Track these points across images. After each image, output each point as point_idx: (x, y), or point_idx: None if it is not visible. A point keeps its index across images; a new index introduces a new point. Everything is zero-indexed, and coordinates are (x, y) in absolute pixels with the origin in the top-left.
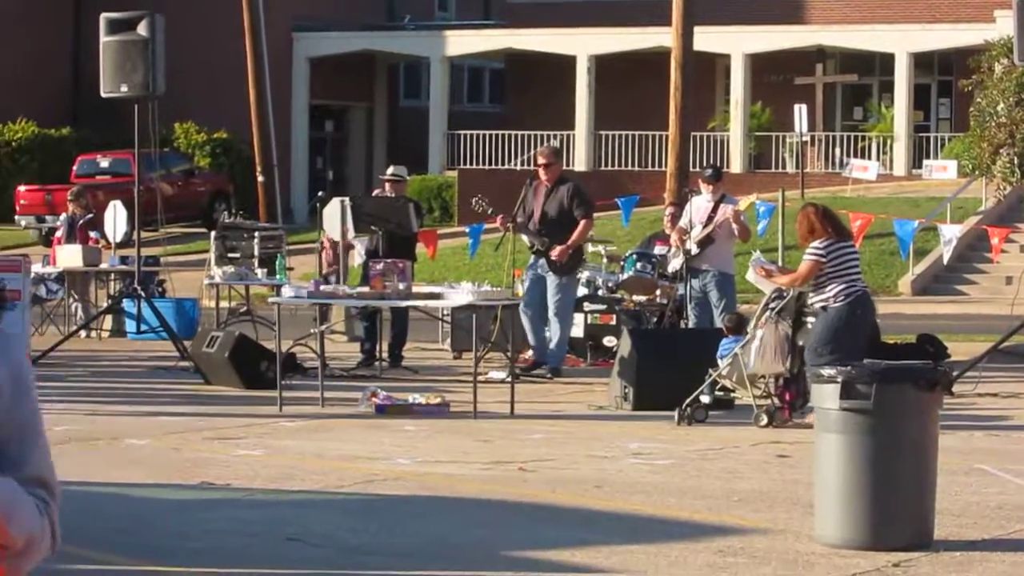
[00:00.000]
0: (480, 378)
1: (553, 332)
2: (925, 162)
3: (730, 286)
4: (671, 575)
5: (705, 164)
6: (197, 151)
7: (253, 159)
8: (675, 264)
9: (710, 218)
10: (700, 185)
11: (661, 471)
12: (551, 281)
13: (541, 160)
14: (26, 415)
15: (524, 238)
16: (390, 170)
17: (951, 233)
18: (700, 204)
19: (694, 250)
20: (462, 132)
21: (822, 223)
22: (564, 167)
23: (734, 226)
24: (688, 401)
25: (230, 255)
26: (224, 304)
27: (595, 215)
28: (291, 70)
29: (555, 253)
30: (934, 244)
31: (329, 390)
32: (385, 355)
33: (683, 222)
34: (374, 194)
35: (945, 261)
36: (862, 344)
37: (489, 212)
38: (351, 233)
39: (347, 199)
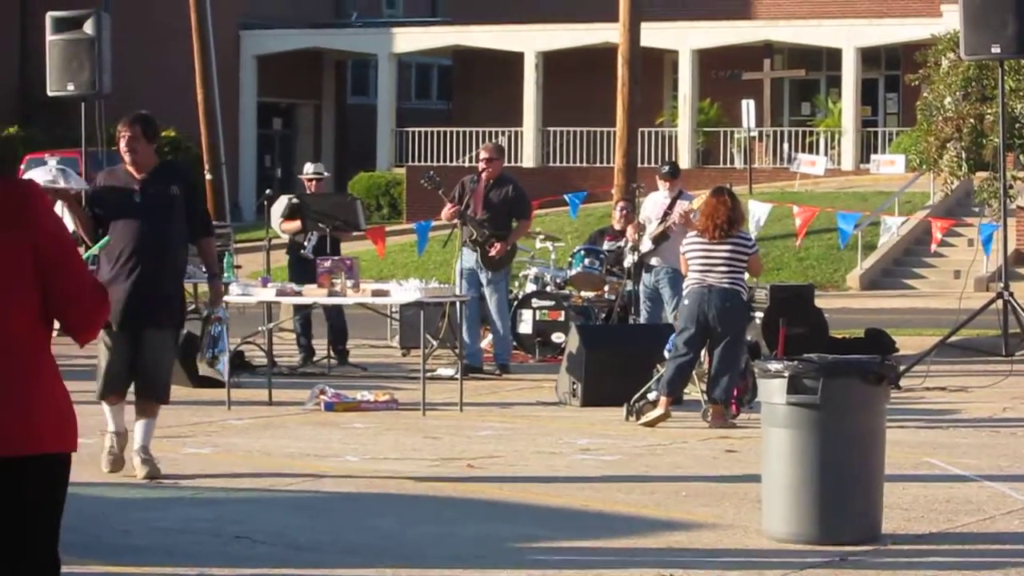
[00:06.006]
0: (428, 375)
1: (495, 329)
2: (873, 157)
3: (683, 283)
4: (619, 571)
5: (654, 160)
6: None
7: (201, 157)
8: (631, 259)
9: (666, 214)
10: (657, 181)
11: (609, 466)
12: (484, 278)
13: (484, 155)
14: None
15: (464, 229)
16: (311, 168)
17: (893, 223)
18: (656, 200)
19: (647, 246)
20: (410, 129)
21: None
22: (512, 164)
23: (688, 225)
24: (636, 397)
25: None
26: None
27: (544, 211)
28: (239, 68)
29: (494, 250)
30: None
31: (277, 388)
32: (328, 353)
33: (640, 217)
34: (308, 192)
35: (880, 245)
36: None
37: (440, 191)
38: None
39: (294, 196)
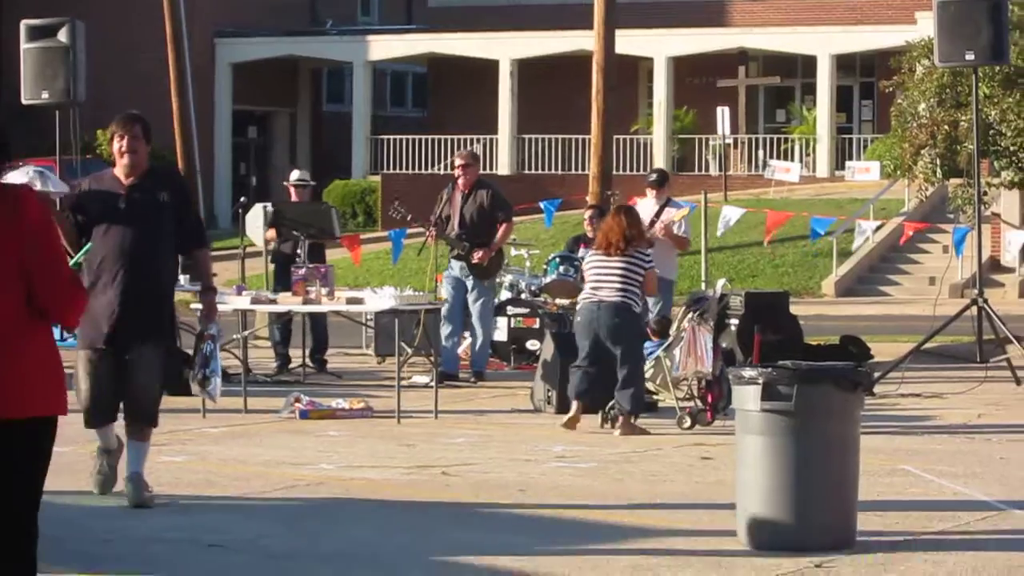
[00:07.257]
0: (403, 383)
1: (475, 336)
2: (848, 164)
3: (668, 291)
4: None
5: (629, 167)
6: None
7: (176, 165)
8: None
9: (652, 222)
10: (646, 189)
11: (584, 474)
12: (471, 285)
13: (459, 162)
14: None
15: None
16: (296, 175)
17: (868, 227)
18: (645, 208)
19: None
20: (385, 137)
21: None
22: (488, 171)
23: (668, 236)
24: (611, 404)
25: None
26: None
27: (519, 219)
28: (214, 76)
29: (478, 256)
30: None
31: (252, 396)
32: (308, 362)
33: None
34: (290, 199)
35: (855, 250)
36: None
37: (408, 219)
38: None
39: (269, 204)
